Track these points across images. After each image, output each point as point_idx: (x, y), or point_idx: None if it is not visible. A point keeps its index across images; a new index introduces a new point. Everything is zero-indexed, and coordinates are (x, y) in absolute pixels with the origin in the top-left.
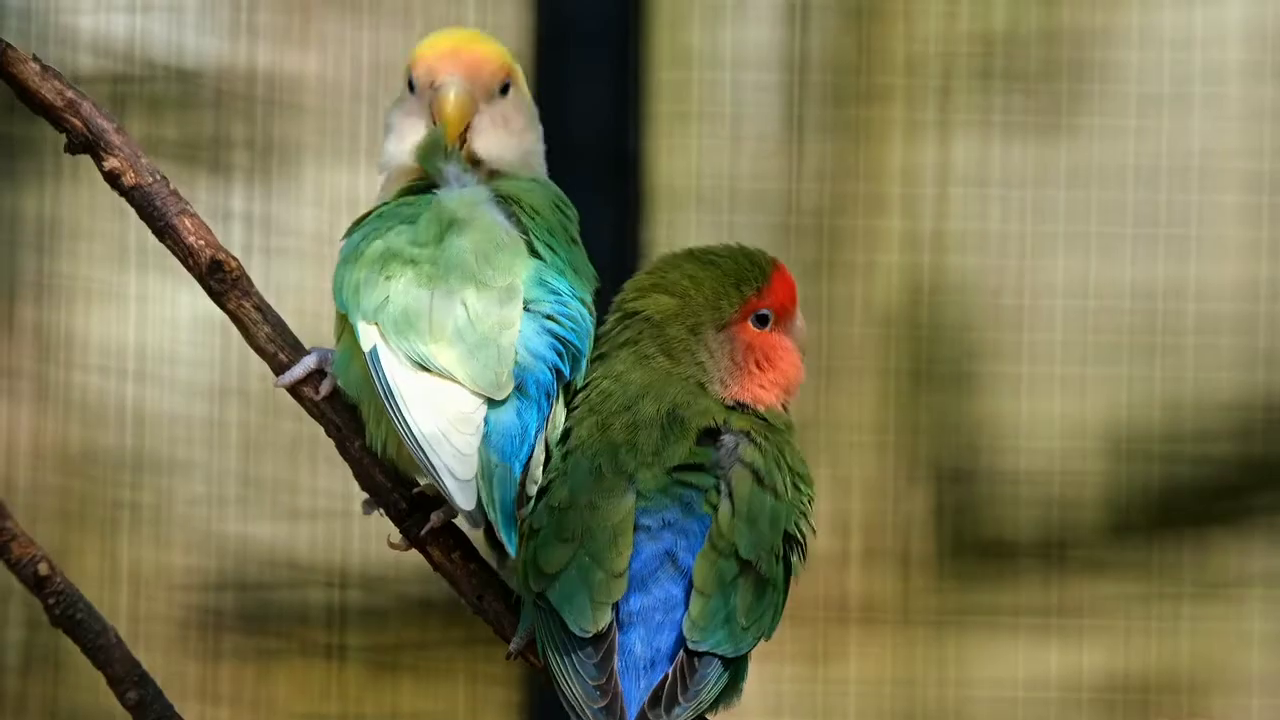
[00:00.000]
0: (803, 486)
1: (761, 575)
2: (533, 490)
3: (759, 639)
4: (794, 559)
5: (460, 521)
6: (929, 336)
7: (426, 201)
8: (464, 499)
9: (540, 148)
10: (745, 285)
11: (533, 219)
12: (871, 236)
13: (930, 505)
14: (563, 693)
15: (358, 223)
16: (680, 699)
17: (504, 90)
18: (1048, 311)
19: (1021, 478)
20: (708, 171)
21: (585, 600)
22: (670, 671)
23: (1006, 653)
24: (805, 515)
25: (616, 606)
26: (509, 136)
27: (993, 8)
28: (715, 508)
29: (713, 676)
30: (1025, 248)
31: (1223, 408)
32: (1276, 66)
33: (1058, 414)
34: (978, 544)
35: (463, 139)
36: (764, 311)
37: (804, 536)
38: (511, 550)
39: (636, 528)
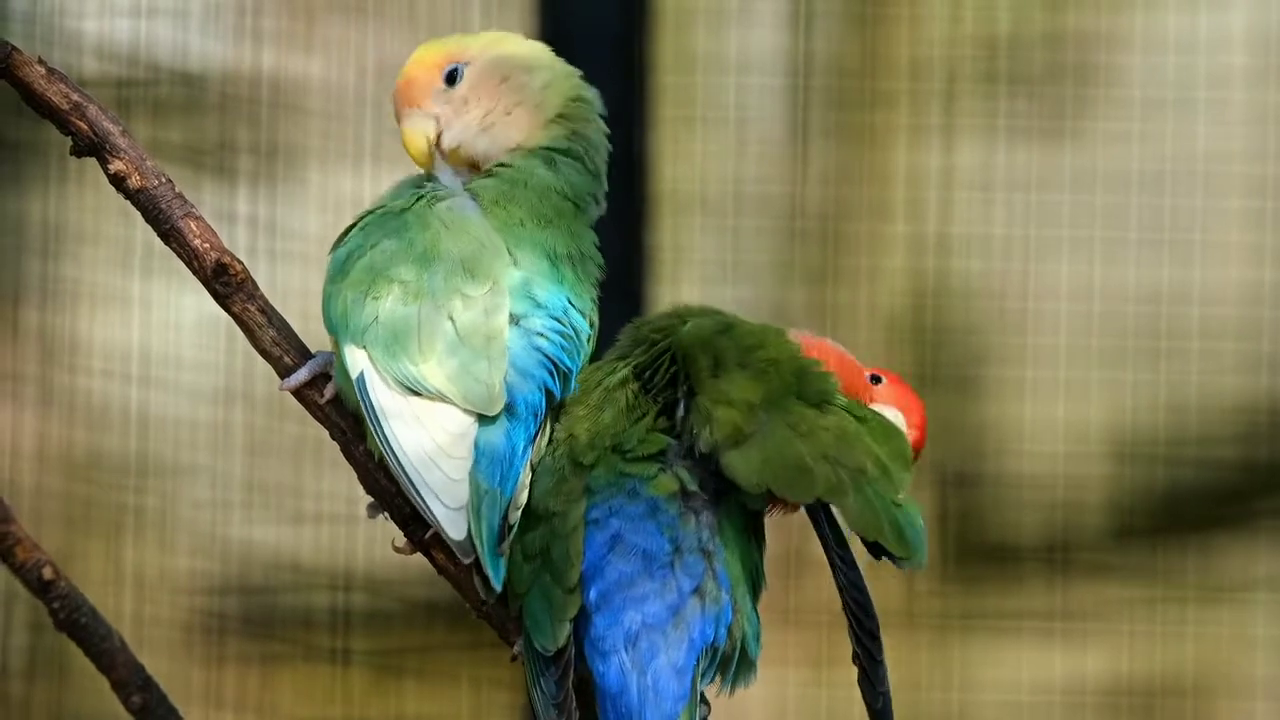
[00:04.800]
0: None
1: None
2: (515, 518)
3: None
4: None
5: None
6: (933, 340)
7: (412, 210)
8: (454, 529)
9: (520, 98)
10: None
11: (504, 214)
12: (876, 241)
13: (934, 509)
14: (531, 707)
15: (344, 235)
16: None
17: (451, 79)
18: (1051, 315)
19: (1025, 481)
20: (712, 176)
21: (547, 619)
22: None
23: (1011, 657)
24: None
25: (575, 618)
26: (471, 112)
27: (997, 12)
28: (687, 494)
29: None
30: (1029, 252)
31: (1227, 412)
32: None
33: (1061, 418)
34: (982, 548)
35: (441, 150)
36: (875, 374)
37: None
38: (496, 583)
39: (586, 523)
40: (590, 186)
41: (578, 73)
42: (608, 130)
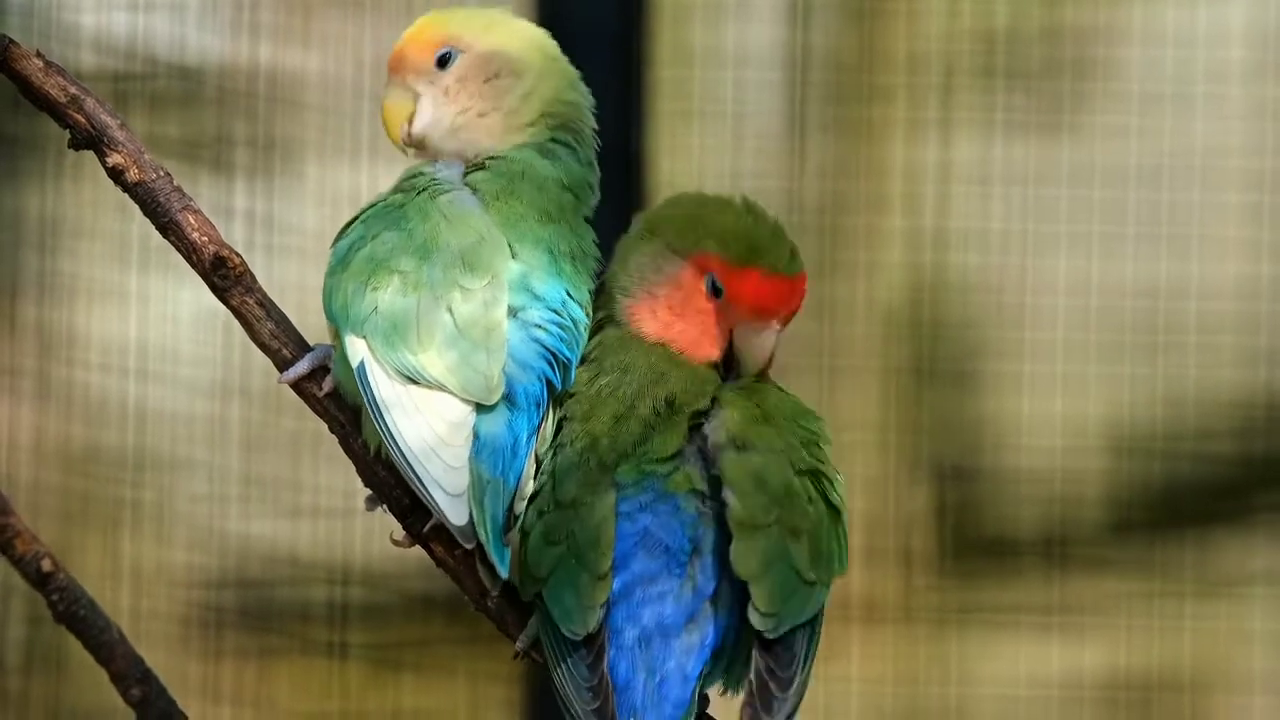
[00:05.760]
0: (803, 423)
1: (802, 526)
2: (520, 508)
3: (831, 580)
4: (829, 485)
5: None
6: (930, 335)
7: (414, 202)
8: (455, 514)
9: (498, 104)
10: (721, 246)
11: (503, 208)
12: (873, 235)
13: (932, 503)
14: (559, 694)
15: (346, 227)
16: (775, 692)
17: (443, 62)
18: (1049, 310)
19: (1023, 476)
20: (709, 170)
21: (574, 603)
22: (750, 678)
23: (1008, 651)
24: (816, 444)
25: (606, 603)
26: (447, 106)
27: (995, 6)
28: (701, 495)
29: (800, 651)
30: (1027, 246)
31: (1224, 406)
32: (1278, 65)
33: (1059, 412)
34: (979, 542)
35: (408, 133)
36: (715, 280)
37: (824, 464)
38: (503, 571)
39: (617, 515)
40: (586, 175)
41: (569, 75)
42: (596, 126)
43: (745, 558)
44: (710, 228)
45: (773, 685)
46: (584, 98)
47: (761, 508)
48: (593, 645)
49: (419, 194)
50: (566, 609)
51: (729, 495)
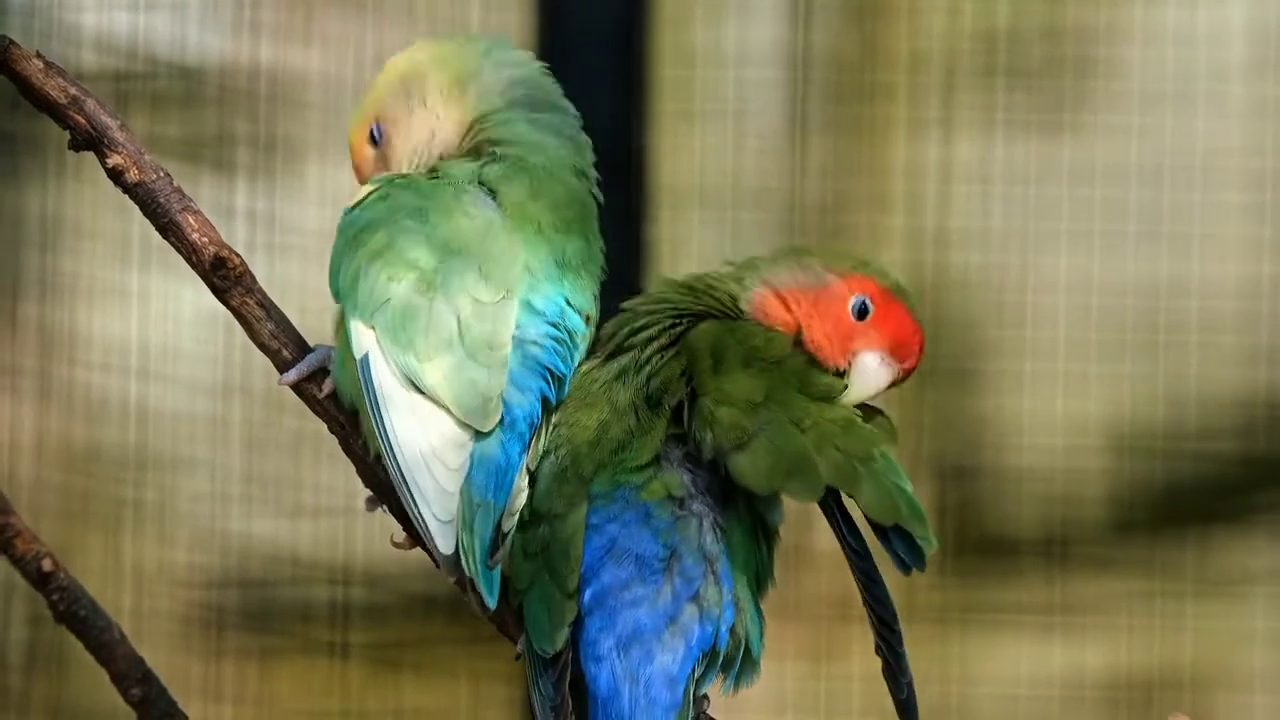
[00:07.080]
0: (806, 378)
1: (865, 449)
2: (509, 525)
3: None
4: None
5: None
6: (931, 334)
7: (438, 195)
8: (443, 542)
9: (430, 113)
10: (880, 275)
11: (517, 211)
12: (874, 234)
13: (933, 502)
14: (533, 711)
15: (364, 199)
16: (898, 647)
17: (375, 141)
18: (1050, 309)
19: (1024, 475)
20: (711, 169)
21: (545, 621)
22: (878, 642)
23: (1009, 650)
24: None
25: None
26: (404, 157)
27: (996, 5)
28: (680, 500)
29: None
30: (1028, 245)
31: (1225, 405)
32: (1279, 64)
33: (1060, 411)
34: (981, 541)
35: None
36: (867, 302)
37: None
38: (490, 600)
39: (586, 527)
40: (571, 130)
41: (466, 46)
42: (530, 58)
43: (870, 506)
44: (868, 260)
45: (893, 641)
46: (492, 50)
47: (822, 469)
48: (557, 663)
49: (443, 186)
50: (540, 627)
51: (773, 492)
